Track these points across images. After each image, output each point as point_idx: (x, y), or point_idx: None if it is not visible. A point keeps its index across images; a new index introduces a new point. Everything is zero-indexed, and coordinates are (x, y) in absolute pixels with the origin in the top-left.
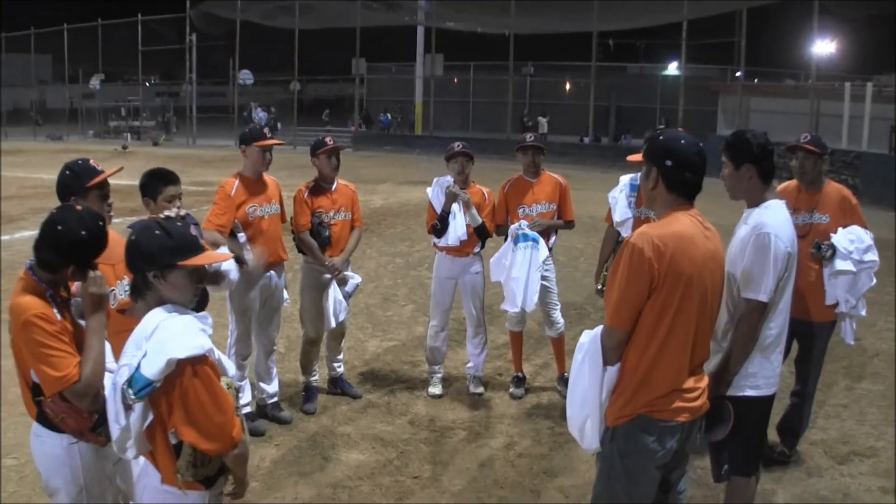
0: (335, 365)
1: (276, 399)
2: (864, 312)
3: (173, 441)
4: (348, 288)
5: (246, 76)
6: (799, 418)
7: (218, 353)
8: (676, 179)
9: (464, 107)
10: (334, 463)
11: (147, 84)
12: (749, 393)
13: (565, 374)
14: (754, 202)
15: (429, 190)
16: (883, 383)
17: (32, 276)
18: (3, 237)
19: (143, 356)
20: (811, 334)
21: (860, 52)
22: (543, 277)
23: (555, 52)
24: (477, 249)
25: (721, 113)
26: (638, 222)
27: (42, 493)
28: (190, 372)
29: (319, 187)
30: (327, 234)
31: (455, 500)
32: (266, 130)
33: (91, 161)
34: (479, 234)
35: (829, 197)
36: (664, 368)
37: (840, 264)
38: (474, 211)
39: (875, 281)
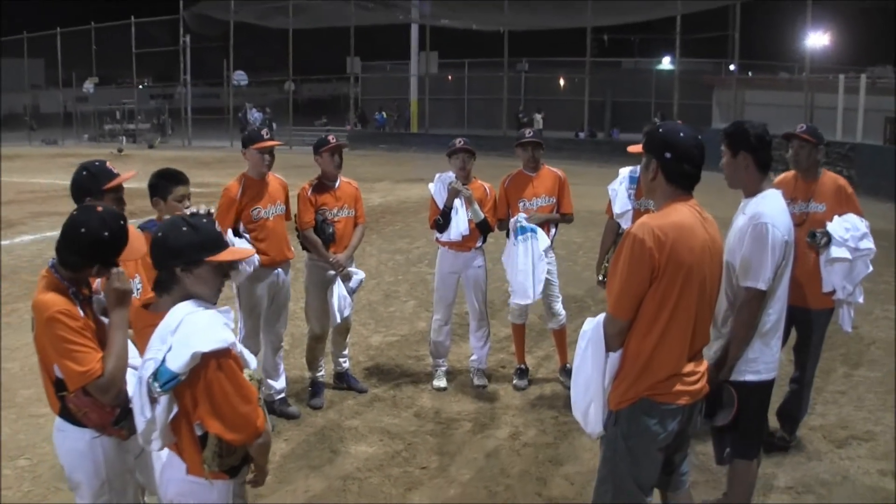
0: (340, 360)
1: (283, 395)
2: (861, 300)
3: (198, 432)
4: (352, 284)
5: (240, 77)
6: (798, 404)
7: (240, 347)
8: (675, 171)
9: (459, 104)
10: (343, 456)
11: (141, 86)
12: (750, 378)
13: (567, 365)
14: (751, 192)
15: (431, 186)
16: (880, 370)
17: (55, 274)
18: (2, 242)
19: (169, 350)
20: (809, 322)
21: (854, 44)
22: (547, 271)
23: (549, 48)
24: (479, 244)
25: (716, 107)
26: (637, 214)
27: (56, 492)
28: (214, 365)
29: (323, 185)
30: (331, 231)
31: (463, 489)
32: (265, 132)
33: (108, 163)
34: (481, 229)
35: (825, 186)
36: (665, 354)
37: (836, 252)
38: (476, 206)
39: (871, 268)
